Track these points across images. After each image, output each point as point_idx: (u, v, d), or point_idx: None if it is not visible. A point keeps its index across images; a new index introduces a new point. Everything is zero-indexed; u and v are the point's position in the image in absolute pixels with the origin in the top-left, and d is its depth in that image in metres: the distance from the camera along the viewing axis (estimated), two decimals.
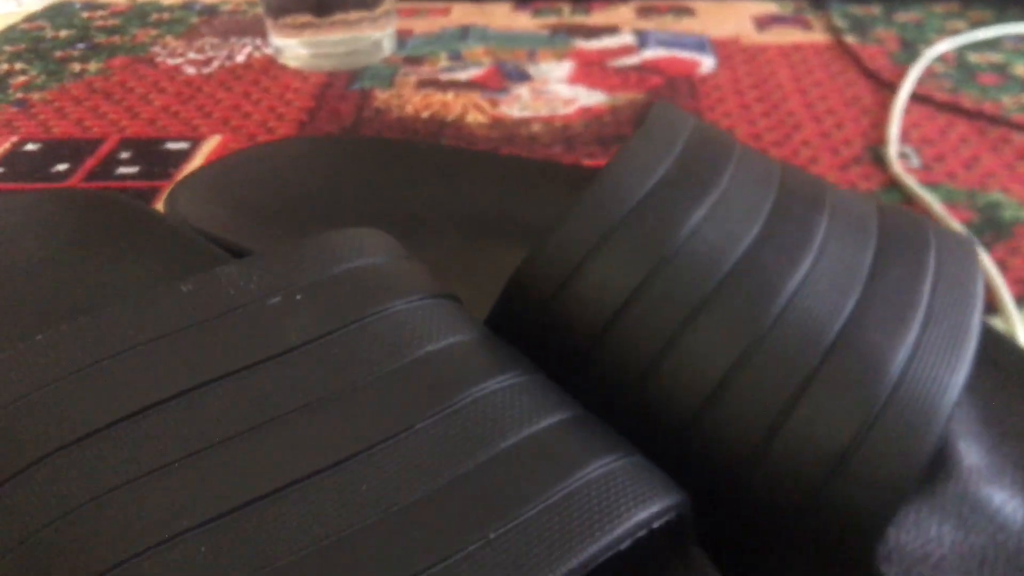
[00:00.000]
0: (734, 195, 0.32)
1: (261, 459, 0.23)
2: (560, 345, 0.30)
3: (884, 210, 0.35)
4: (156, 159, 0.61)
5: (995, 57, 0.76)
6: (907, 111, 0.66)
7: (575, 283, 0.30)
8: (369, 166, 0.50)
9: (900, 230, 0.33)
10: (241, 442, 0.24)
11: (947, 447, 0.32)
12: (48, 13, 0.94)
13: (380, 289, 0.28)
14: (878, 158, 0.60)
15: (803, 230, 0.32)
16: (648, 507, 0.24)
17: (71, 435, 0.24)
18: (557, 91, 0.71)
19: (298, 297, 0.27)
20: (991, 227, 0.51)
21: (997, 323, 0.43)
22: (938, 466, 0.31)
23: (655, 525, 0.24)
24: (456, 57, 0.78)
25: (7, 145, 0.64)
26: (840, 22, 0.85)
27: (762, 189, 0.33)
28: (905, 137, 0.62)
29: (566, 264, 0.30)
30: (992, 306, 0.44)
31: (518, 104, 0.69)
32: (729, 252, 0.30)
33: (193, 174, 0.49)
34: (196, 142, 0.63)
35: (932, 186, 0.56)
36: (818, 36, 0.82)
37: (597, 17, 0.88)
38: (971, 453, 0.32)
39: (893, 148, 0.60)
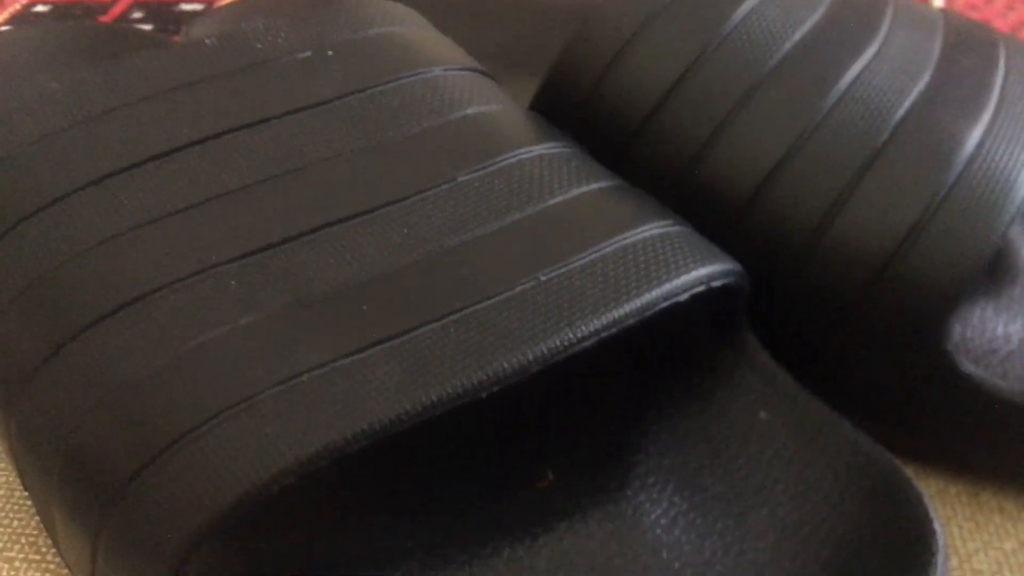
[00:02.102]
0: None
1: (294, 202, 0.22)
2: (605, 130, 0.28)
3: (948, 14, 0.33)
4: (170, 18, 0.58)
5: None
6: None
7: (621, 64, 0.28)
8: None
9: (967, 29, 0.31)
10: (273, 185, 0.22)
11: (1011, 252, 0.30)
12: None
13: (417, 53, 0.26)
14: None
15: (867, 19, 0.29)
16: (708, 265, 0.22)
17: (92, 175, 0.22)
18: None
19: (330, 53, 0.25)
20: None
21: None
22: (1003, 270, 0.29)
23: (715, 284, 0.22)
24: None
25: (16, 7, 0.62)
26: None
27: None
28: (949, 4, 0.60)
29: (611, 45, 0.28)
30: None
31: None
32: (787, 34, 0.28)
33: (213, 9, 0.47)
34: (211, 3, 0.61)
35: None
36: None
37: None
38: None
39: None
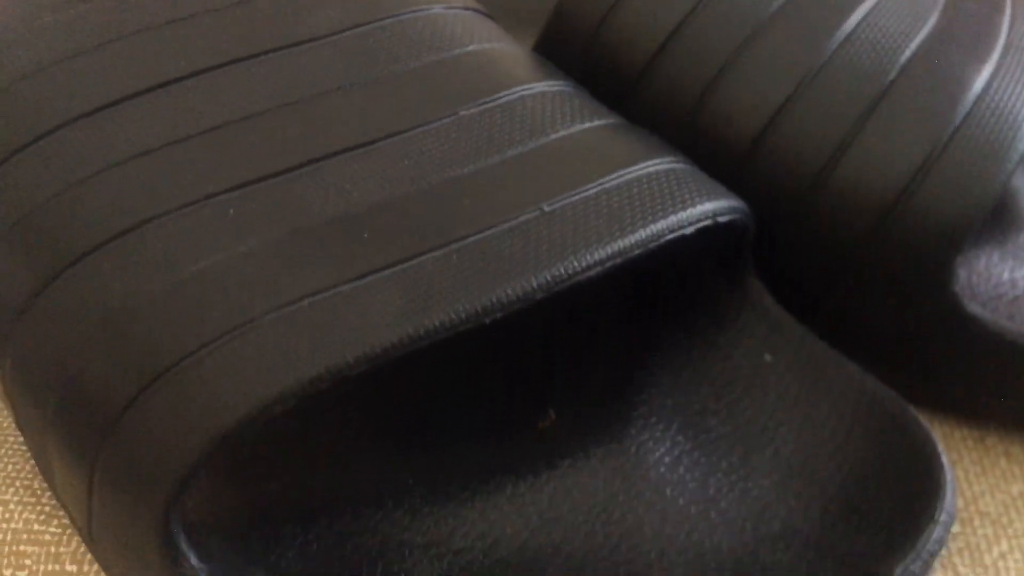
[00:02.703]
0: None
1: (292, 134, 0.21)
2: (607, 76, 0.28)
3: None
4: None
5: None
6: None
7: (621, 8, 0.27)
8: None
9: None
10: (270, 118, 0.22)
11: (1017, 200, 0.30)
12: None
13: None
14: None
15: None
16: (715, 200, 0.22)
17: (87, 106, 0.22)
18: None
19: None
20: None
21: None
22: (1008, 218, 0.29)
23: (721, 220, 0.22)
24: None
25: None
26: None
27: None
28: None
29: None
30: None
31: None
32: None
33: None
34: None
35: None
36: None
37: None
38: None
39: None
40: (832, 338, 0.24)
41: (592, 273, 0.19)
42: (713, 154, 0.26)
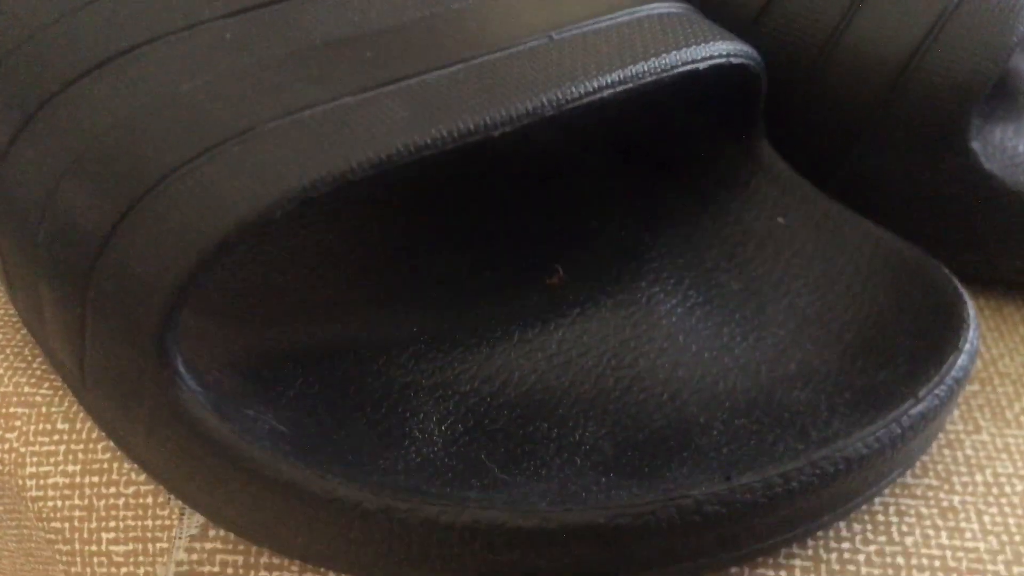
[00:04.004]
0: None
1: None
2: None
3: None
4: None
5: None
6: None
7: None
8: None
9: None
10: None
11: None
12: None
13: None
14: None
15: None
16: (728, 42, 0.21)
17: None
18: None
19: None
20: None
21: None
22: (1022, 98, 0.28)
23: (734, 61, 0.21)
24: None
25: None
26: None
27: None
28: None
29: None
30: None
31: None
32: None
33: None
34: None
35: None
36: None
37: None
38: None
39: None
40: (847, 205, 0.24)
41: (603, 95, 0.19)
42: (723, 15, 0.25)
